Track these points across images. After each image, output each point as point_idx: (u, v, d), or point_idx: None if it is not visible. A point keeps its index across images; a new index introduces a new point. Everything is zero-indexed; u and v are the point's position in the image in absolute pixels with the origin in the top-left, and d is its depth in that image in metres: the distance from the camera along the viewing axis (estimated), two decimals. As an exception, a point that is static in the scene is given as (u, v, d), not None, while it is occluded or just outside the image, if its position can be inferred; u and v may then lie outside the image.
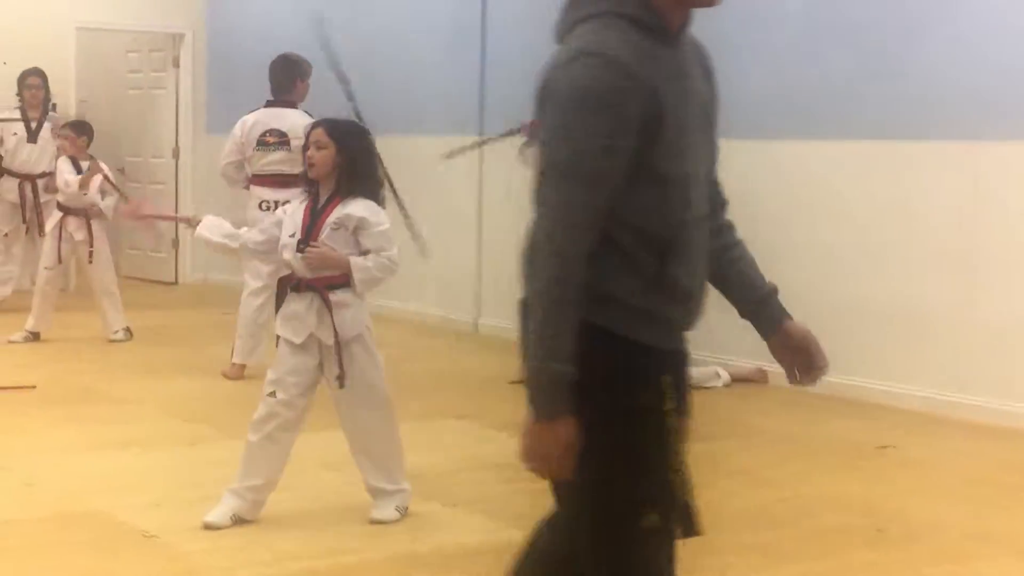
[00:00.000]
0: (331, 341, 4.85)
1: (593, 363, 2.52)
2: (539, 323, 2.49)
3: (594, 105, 2.44)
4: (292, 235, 4.88)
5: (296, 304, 4.88)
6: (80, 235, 8.94)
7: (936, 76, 7.27)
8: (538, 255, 2.49)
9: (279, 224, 4.97)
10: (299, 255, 4.84)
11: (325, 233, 4.82)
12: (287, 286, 4.97)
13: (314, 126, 4.97)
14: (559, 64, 2.52)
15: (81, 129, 9.18)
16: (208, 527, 4.81)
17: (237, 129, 7.86)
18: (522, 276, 2.56)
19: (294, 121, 7.64)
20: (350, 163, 4.85)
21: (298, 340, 4.86)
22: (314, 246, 4.81)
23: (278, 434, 4.89)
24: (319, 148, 4.84)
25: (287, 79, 7.90)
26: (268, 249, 5.02)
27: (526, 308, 2.55)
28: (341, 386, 4.88)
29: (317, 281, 4.85)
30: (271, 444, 4.89)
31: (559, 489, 2.71)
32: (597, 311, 2.54)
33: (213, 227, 5.06)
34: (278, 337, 5.01)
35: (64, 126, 9.44)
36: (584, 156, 2.45)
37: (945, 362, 7.21)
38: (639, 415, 2.59)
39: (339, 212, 4.83)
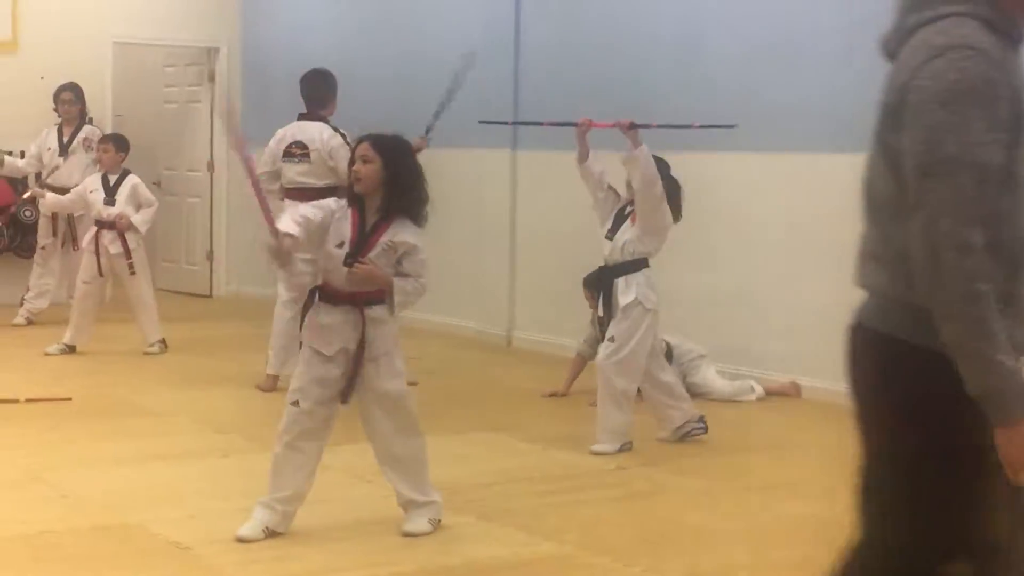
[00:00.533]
0: (365, 355, 4.85)
1: (914, 390, 2.38)
2: (970, 326, 2.31)
3: (970, 97, 2.32)
4: (339, 245, 4.86)
5: (331, 316, 4.88)
6: (115, 248, 9.00)
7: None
8: (939, 257, 2.32)
9: (330, 214, 4.89)
10: (345, 268, 4.84)
11: (376, 251, 4.83)
12: (316, 296, 4.96)
13: (360, 140, 4.95)
14: (916, 65, 2.41)
15: (120, 144, 9.25)
16: (241, 540, 4.82)
17: (272, 141, 7.95)
18: (905, 284, 2.41)
19: (313, 133, 7.73)
20: (396, 178, 4.84)
21: (329, 352, 4.86)
22: (362, 263, 4.81)
23: (302, 443, 4.89)
24: (365, 162, 4.83)
25: (323, 93, 7.98)
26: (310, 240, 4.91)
27: (918, 312, 2.38)
28: (344, 402, 4.87)
29: (358, 295, 4.86)
30: (295, 453, 4.89)
31: (868, 516, 2.57)
32: (928, 332, 2.37)
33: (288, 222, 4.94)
34: (300, 344, 5.01)
35: (104, 139, 9.49)
36: (970, 148, 2.32)
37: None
38: (960, 451, 2.40)
39: (393, 235, 4.82)
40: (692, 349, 7.92)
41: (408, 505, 5.03)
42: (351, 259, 4.82)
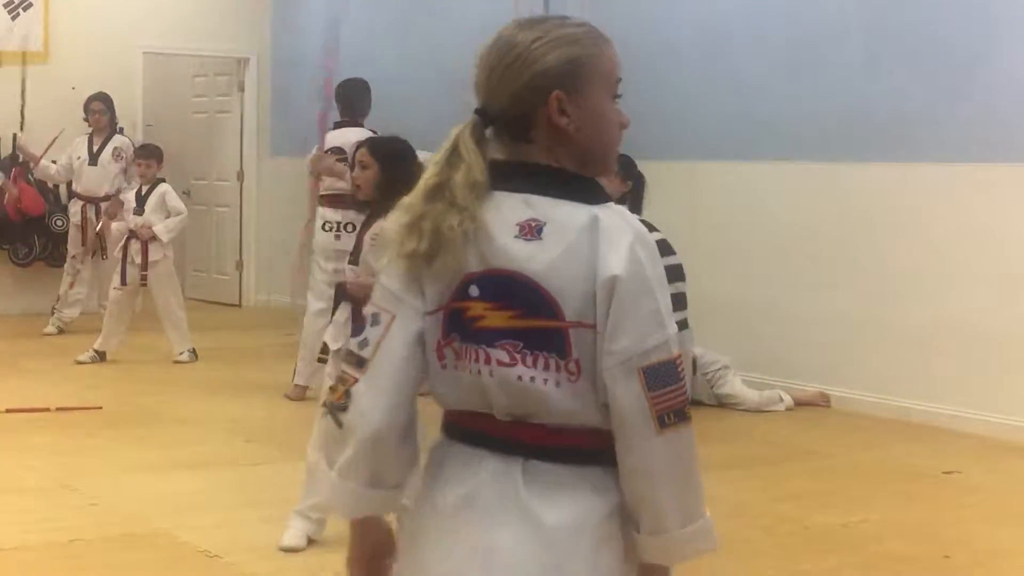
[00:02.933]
0: None
1: None
2: None
3: None
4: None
5: (344, 313, 4.88)
6: (139, 258, 9.03)
7: (1004, 98, 7.20)
8: None
9: None
10: (350, 266, 4.88)
11: (365, 249, 4.83)
12: (342, 294, 4.96)
13: (359, 146, 4.96)
14: None
15: (159, 156, 9.30)
16: (285, 550, 4.80)
17: (313, 150, 7.99)
18: None
19: (350, 138, 7.74)
20: (391, 181, 4.74)
21: (334, 347, 4.82)
22: (351, 283, 4.80)
23: None
24: (363, 168, 4.82)
25: (363, 100, 8.04)
26: None
27: None
28: None
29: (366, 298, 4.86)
30: None
31: None
32: None
33: None
34: (324, 346, 4.99)
35: (146, 154, 9.42)
36: None
37: (1015, 387, 7.11)
38: None
39: (376, 227, 4.82)
40: (717, 360, 7.90)
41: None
42: (353, 258, 4.85)
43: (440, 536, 2.01)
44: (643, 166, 6.59)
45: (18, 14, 11.36)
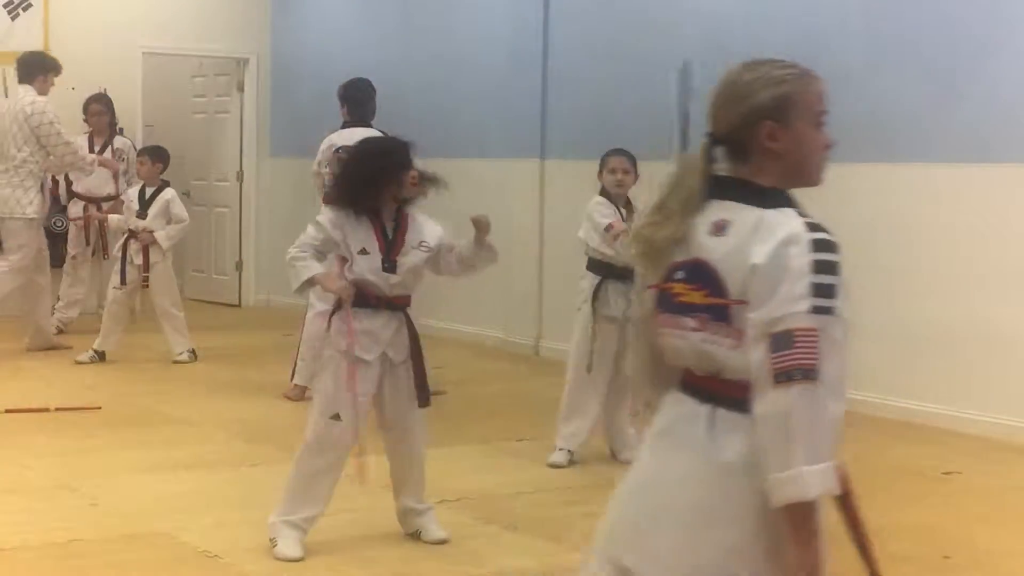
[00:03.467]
0: (400, 358, 4.85)
1: None
2: None
3: None
4: (362, 251, 4.81)
5: (370, 321, 4.84)
6: (139, 259, 9.04)
7: (1005, 98, 7.20)
8: None
9: (332, 225, 4.85)
10: (385, 273, 4.82)
11: (416, 258, 4.86)
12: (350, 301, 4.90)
13: (409, 153, 4.96)
14: None
15: (156, 156, 9.28)
16: (291, 561, 4.75)
17: (322, 146, 8.01)
18: None
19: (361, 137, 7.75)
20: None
21: (370, 357, 4.82)
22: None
23: (339, 461, 4.88)
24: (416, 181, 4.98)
25: (369, 100, 8.06)
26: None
27: None
28: (426, 404, 4.91)
29: (399, 300, 4.87)
30: (334, 471, 4.87)
31: None
32: None
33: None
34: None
35: (141, 151, 9.50)
36: None
37: (1015, 387, 7.11)
38: None
39: (420, 237, 4.88)
40: None
41: (411, 513, 5.02)
42: (387, 264, 4.82)
43: (645, 453, 2.59)
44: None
45: (18, 14, 11.35)
